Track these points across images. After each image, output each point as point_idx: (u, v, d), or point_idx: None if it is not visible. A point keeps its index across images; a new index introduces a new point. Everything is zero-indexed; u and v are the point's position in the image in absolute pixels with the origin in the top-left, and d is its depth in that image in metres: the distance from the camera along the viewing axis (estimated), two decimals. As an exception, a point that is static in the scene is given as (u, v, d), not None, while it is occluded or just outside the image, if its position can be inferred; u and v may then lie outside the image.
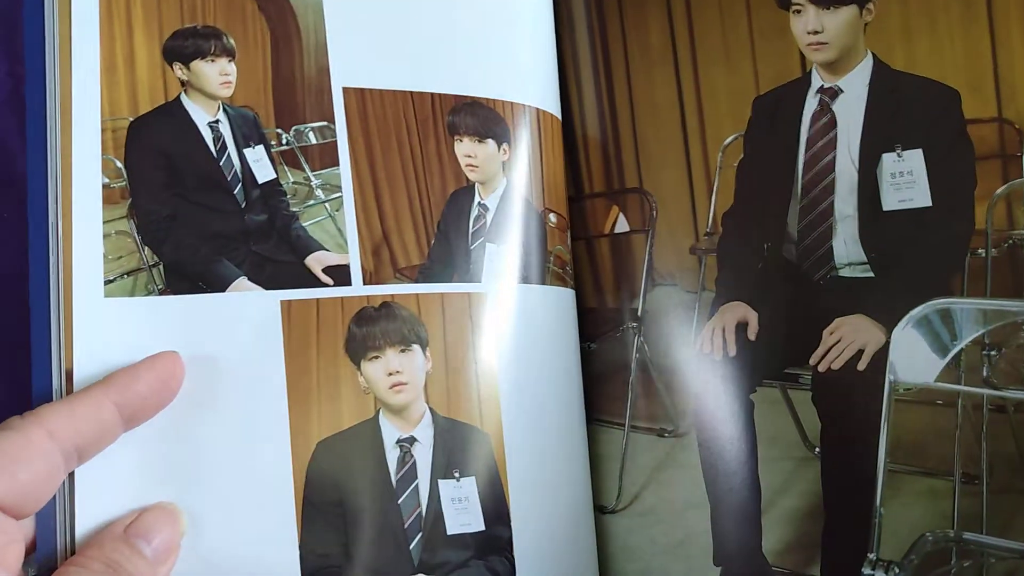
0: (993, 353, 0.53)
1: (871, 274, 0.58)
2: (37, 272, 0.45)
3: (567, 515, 0.56)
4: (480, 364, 0.54)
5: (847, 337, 0.55)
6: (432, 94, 0.57)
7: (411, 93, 0.56)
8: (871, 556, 0.52)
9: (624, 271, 0.64)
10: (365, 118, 0.55)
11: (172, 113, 0.52)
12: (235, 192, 0.52)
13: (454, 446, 0.52)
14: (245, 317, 0.49)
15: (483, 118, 0.58)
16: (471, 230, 0.57)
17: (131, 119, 0.50)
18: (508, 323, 0.55)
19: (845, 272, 0.59)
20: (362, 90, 0.55)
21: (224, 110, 0.53)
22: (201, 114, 0.53)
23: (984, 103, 0.54)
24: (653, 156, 0.64)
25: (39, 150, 0.46)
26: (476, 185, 0.58)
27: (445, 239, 0.56)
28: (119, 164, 0.49)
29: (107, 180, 0.48)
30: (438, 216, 0.56)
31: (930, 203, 0.55)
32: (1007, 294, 0.54)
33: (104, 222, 0.47)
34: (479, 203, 0.58)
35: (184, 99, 0.52)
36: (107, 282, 0.47)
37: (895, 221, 0.56)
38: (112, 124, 0.49)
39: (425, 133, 0.57)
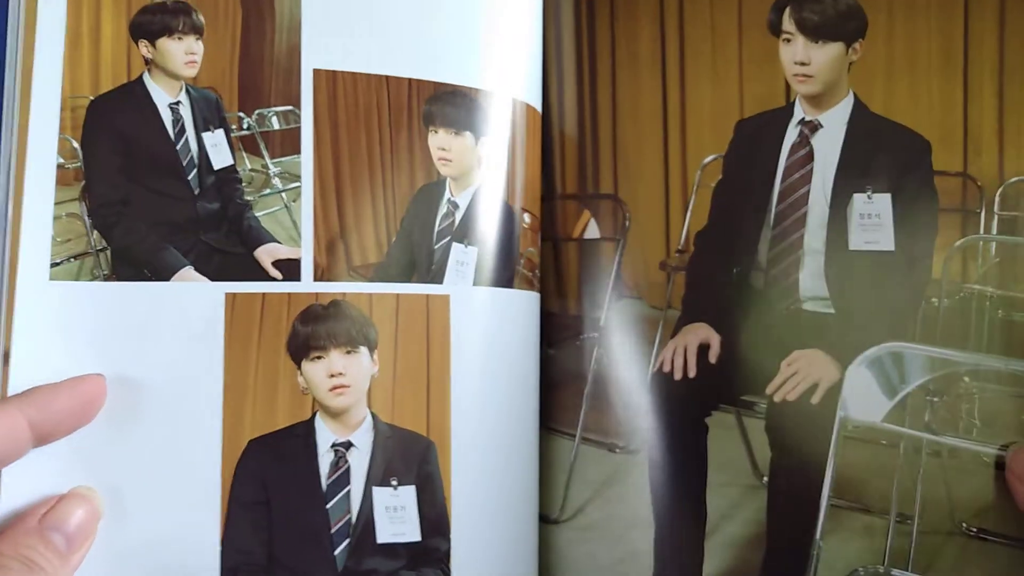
0: (936, 400, 0.55)
1: (832, 310, 0.58)
2: (-18, 251, 0.46)
3: (511, 527, 0.55)
4: (433, 369, 0.52)
5: (803, 370, 0.56)
6: (410, 80, 0.54)
7: (387, 78, 0.54)
8: (807, 588, 0.53)
9: (590, 279, 0.63)
10: (334, 103, 0.53)
11: (133, 93, 0.51)
12: (189, 178, 0.51)
13: (394, 454, 0.51)
14: (188, 307, 0.48)
15: (463, 108, 0.55)
16: (437, 228, 0.55)
17: (91, 98, 0.49)
18: (468, 328, 0.53)
19: (808, 306, 0.59)
20: (334, 72, 0.53)
21: (187, 91, 0.52)
22: (162, 95, 0.52)
23: (952, 156, 0.56)
24: (631, 164, 0.63)
25: (-6, 125, 0.47)
26: (447, 180, 0.55)
27: (407, 237, 0.54)
28: (75, 144, 0.49)
29: (62, 160, 0.48)
30: (402, 212, 0.54)
31: (893, 248, 0.56)
32: (955, 345, 0.55)
33: (56, 203, 0.47)
34: (449, 200, 0.55)
35: (147, 79, 0.51)
36: (53, 264, 0.47)
37: (860, 261, 0.57)
38: (72, 102, 0.49)
39: (398, 122, 0.54)
